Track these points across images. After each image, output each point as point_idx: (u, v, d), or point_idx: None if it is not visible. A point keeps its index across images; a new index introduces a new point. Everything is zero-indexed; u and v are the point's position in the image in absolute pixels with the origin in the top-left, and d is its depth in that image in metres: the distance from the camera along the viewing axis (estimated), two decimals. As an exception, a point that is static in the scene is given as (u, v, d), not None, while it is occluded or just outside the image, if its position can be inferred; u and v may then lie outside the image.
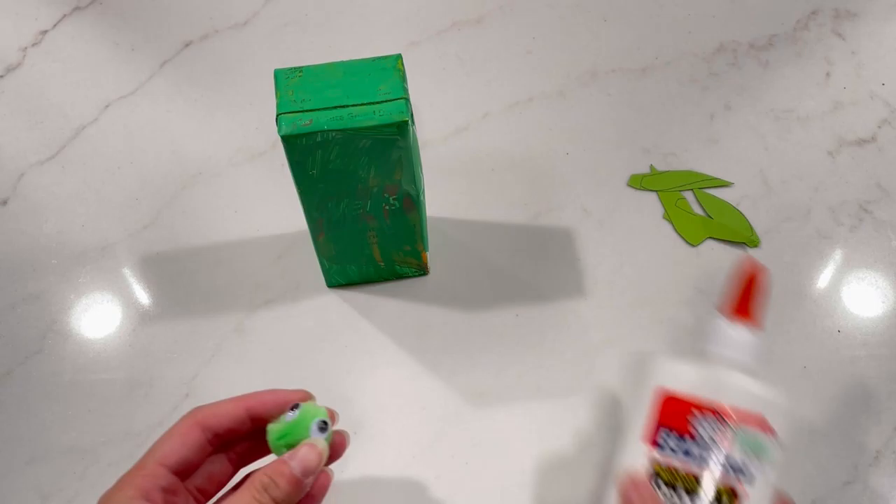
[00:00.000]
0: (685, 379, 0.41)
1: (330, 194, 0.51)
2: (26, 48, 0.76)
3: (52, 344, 0.58)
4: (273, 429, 0.40)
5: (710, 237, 0.61)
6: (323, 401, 0.43)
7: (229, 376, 0.57)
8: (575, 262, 0.61)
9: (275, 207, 0.64)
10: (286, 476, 0.38)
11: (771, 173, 0.65)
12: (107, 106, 0.71)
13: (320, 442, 0.40)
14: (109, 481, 0.39)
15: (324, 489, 0.41)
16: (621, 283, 0.59)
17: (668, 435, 0.40)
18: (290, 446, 0.40)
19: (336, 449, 0.42)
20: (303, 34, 0.75)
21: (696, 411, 0.40)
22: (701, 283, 0.59)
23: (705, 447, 0.39)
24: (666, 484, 0.39)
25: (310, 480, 0.39)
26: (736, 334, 0.42)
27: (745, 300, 0.43)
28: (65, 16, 0.78)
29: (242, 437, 0.42)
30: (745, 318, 0.43)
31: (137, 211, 0.65)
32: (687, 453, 0.39)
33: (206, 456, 0.41)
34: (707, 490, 0.38)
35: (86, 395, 0.56)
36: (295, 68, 0.50)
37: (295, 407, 0.41)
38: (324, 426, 0.40)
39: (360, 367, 0.57)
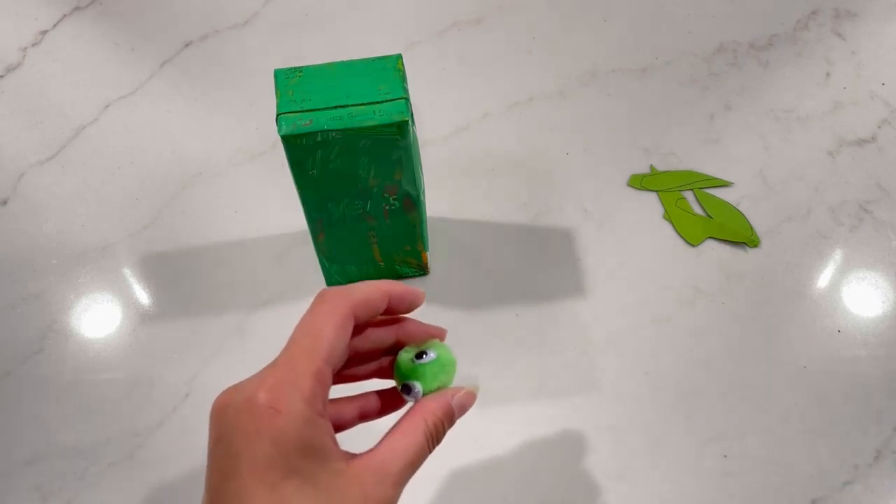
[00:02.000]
0: None
1: (330, 194, 0.51)
2: (26, 48, 0.76)
3: (52, 344, 0.58)
4: (426, 370, 0.41)
5: (710, 237, 0.61)
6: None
7: (229, 376, 0.56)
8: (575, 262, 0.61)
9: (275, 207, 0.64)
10: (451, 419, 0.39)
11: (771, 173, 0.65)
12: (107, 106, 0.71)
13: (476, 390, 0.40)
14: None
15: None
16: (621, 283, 0.59)
17: None
18: (443, 385, 0.40)
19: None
20: (303, 34, 0.75)
21: None
22: (701, 283, 0.59)
23: None
24: None
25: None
26: None
27: None
28: (65, 16, 0.78)
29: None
30: None
31: (137, 211, 0.65)
32: None
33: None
34: None
35: (86, 395, 0.56)
36: (295, 68, 0.50)
37: (422, 354, 0.41)
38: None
39: (360, 367, 0.57)
